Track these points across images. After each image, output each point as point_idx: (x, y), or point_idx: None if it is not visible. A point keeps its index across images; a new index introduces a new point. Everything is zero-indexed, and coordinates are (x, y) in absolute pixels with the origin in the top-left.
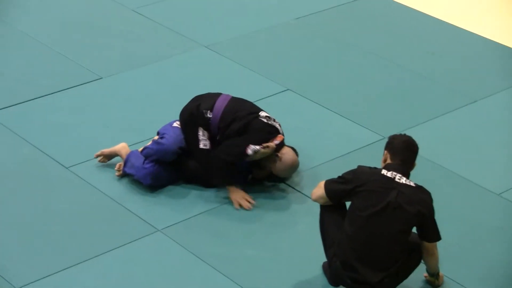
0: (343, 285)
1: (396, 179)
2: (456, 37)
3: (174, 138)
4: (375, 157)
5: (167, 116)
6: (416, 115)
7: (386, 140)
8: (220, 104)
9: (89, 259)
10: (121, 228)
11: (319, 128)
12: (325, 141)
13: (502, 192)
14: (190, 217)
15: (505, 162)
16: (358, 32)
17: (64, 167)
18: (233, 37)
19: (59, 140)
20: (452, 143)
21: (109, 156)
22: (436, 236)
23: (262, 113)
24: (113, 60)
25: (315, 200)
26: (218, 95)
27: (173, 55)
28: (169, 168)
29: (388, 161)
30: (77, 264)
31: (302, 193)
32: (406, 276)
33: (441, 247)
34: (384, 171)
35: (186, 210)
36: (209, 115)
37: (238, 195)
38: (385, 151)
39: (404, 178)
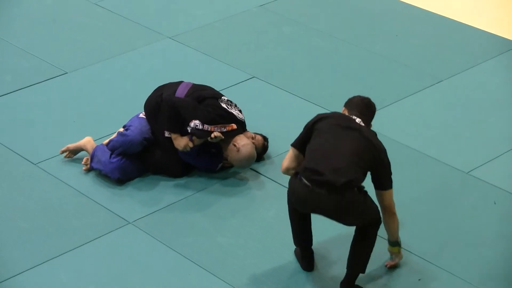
0: (302, 199)
1: (357, 121)
2: (419, 18)
3: (139, 129)
4: None
5: (134, 109)
6: (382, 97)
7: None
8: (181, 91)
9: (61, 254)
10: (92, 222)
11: (286, 114)
12: (292, 127)
13: (471, 171)
14: (160, 209)
15: (472, 141)
16: (322, 17)
17: (32, 163)
18: (197, 27)
19: (26, 136)
20: (419, 123)
21: (74, 151)
22: (390, 184)
23: (224, 98)
24: (77, 55)
25: (285, 169)
26: (179, 83)
27: (138, 47)
28: (136, 160)
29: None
30: (50, 260)
31: (271, 179)
32: (364, 220)
33: (410, 226)
34: (343, 112)
35: (156, 201)
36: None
37: (182, 141)
38: (343, 108)
39: (362, 122)
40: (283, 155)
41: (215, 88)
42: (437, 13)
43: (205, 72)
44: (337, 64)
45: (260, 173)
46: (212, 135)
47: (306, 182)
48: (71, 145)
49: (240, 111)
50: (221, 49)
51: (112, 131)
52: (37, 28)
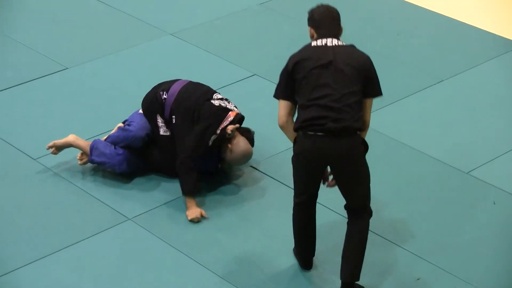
0: (310, 151)
1: (328, 44)
2: (420, 17)
3: (141, 125)
4: None
5: (135, 105)
6: (383, 96)
7: None
8: (176, 87)
9: (60, 250)
10: (92, 218)
11: None
12: None
13: (470, 171)
14: (160, 205)
15: (472, 141)
16: None
17: (32, 158)
18: (199, 23)
19: (26, 131)
20: (419, 123)
21: (60, 148)
22: (380, 90)
23: (216, 95)
24: (78, 50)
25: (284, 119)
26: (176, 80)
27: (139, 44)
28: (139, 156)
29: (315, 35)
30: (49, 255)
31: (271, 177)
32: (366, 188)
33: (410, 225)
34: (313, 43)
35: (155, 198)
36: (164, 96)
37: (194, 213)
38: (309, 28)
39: (335, 40)
40: (282, 153)
41: (216, 86)
42: (438, 12)
43: (206, 69)
44: None
45: (260, 171)
46: (228, 131)
47: (310, 133)
48: (58, 142)
49: (235, 106)
50: (222, 47)
51: (111, 127)
52: (38, 23)
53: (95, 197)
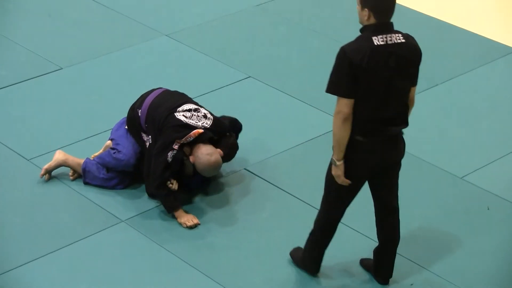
0: (374, 157)
1: (388, 42)
2: (416, 21)
3: (130, 150)
4: None
5: (128, 107)
6: None
7: None
8: (148, 101)
9: (54, 251)
10: (85, 219)
11: (282, 115)
12: (288, 128)
13: (465, 176)
14: (153, 208)
15: (467, 146)
16: (319, 18)
17: (26, 159)
18: (194, 25)
19: (20, 132)
20: (413, 127)
21: (52, 170)
22: (417, 79)
23: (184, 107)
24: (73, 50)
25: (347, 117)
26: (152, 91)
27: (134, 44)
28: (130, 172)
29: (372, 20)
30: (42, 257)
31: (266, 180)
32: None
33: (403, 230)
34: (374, 40)
35: (149, 200)
36: (139, 112)
37: (185, 218)
38: (365, 9)
39: (395, 36)
40: (277, 155)
41: (210, 88)
42: (434, 16)
43: (201, 71)
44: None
45: (254, 174)
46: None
47: (376, 134)
48: (49, 166)
49: (204, 116)
50: (218, 48)
51: (105, 128)
52: (33, 22)
53: (88, 199)
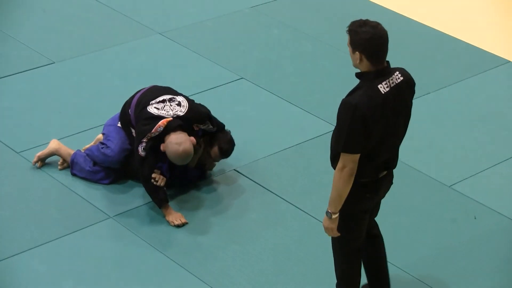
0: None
1: (391, 86)
2: (409, 30)
3: (120, 146)
4: (328, 148)
5: (120, 103)
6: None
7: None
8: (135, 99)
9: (41, 245)
10: (73, 214)
11: (273, 117)
12: (278, 131)
13: (453, 184)
14: (141, 205)
15: (456, 155)
16: (313, 22)
17: (15, 152)
18: (188, 24)
19: (10, 125)
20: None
21: (45, 158)
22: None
23: (158, 99)
24: (66, 45)
25: (344, 181)
26: (143, 88)
27: (127, 41)
28: (118, 168)
29: (365, 63)
30: (28, 250)
31: (254, 182)
32: None
33: (391, 237)
34: (380, 88)
35: (137, 198)
36: (130, 111)
37: (173, 216)
38: (357, 52)
39: (395, 77)
40: (268, 157)
41: (202, 87)
42: (427, 25)
43: (193, 70)
44: (325, 69)
45: (243, 175)
46: (161, 148)
47: (379, 175)
48: (42, 154)
49: (178, 104)
50: (211, 48)
51: (95, 124)
52: (27, 16)
53: (77, 194)
